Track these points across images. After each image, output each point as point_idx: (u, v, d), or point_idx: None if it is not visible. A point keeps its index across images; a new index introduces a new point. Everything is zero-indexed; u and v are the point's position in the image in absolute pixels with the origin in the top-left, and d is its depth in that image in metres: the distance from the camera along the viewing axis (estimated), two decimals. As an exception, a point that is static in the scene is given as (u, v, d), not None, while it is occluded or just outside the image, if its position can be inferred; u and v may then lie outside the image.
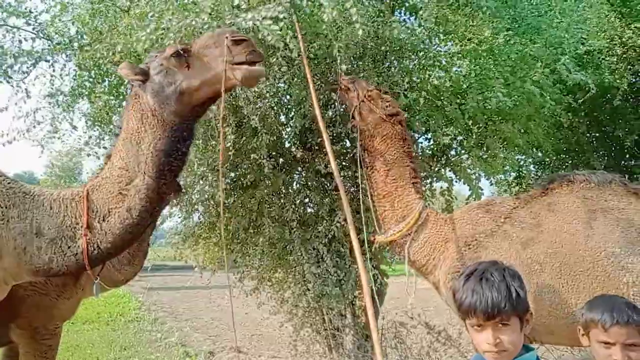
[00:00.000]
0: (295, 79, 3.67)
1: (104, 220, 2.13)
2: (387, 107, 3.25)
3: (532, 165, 6.69)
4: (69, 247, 2.11)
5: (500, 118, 4.25)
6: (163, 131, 2.14)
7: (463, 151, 4.55)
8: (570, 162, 6.60)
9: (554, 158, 6.58)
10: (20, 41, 3.78)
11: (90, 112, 4.03)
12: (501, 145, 4.56)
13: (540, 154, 6.36)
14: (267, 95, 3.51)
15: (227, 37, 2.07)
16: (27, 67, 3.63)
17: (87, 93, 3.79)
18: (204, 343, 7.42)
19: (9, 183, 2.17)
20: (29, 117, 3.88)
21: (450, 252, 3.00)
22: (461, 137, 4.51)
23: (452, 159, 4.57)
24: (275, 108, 4.03)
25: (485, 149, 4.44)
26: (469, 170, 4.54)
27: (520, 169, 6.39)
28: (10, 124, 3.77)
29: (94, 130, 4.11)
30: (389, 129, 3.22)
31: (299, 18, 3.01)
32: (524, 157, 6.33)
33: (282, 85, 4.16)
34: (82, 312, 9.63)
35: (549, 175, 3.23)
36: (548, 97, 3.98)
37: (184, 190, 4.17)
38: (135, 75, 2.14)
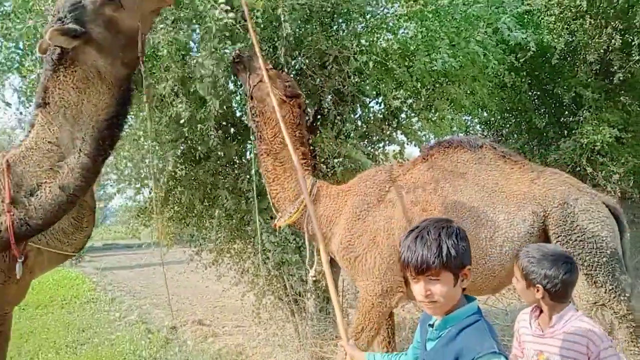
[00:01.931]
0: (240, 45, 3.55)
1: (31, 194, 1.99)
2: (287, 87, 3.23)
3: (478, 126, 6.92)
4: None
5: (446, 80, 4.34)
6: (111, 96, 2.00)
7: (413, 114, 4.63)
8: (513, 120, 6.88)
9: (498, 117, 6.82)
10: None
11: (22, 86, 3.75)
12: (448, 107, 4.67)
13: (485, 114, 6.58)
14: (213, 61, 3.38)
15: None
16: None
17: (16, 66, 3.51)
18: (166, 319, 7.36)
19: None
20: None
21: (342, 223, 3.15)
22: (411, 100, 4.58)
23: (403, 122, 4.65)
24: (223, 76, 3.91)
25: (433, 110, 4.54)
26: (419, 133, 4.65)
27: (467, 130, 6.61)
28: None
29: (28, 107, 3.84)
30: (286, 111, 3.20)
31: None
32: (470, 117, 6.54)
33: (228, 51, 4.03)
34: (34, 297, 9.27)
35: (433, 142, 3.55)
36: (491, 57, 4.09)
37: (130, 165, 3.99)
38: (74, 39, 1.90)
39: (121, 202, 5.48)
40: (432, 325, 1.60)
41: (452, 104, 4.68)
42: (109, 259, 15.64)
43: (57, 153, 2.00)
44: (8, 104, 3.94)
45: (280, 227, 3.43)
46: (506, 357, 1.44)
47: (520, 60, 5.33)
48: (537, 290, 1.90)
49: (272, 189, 3.32)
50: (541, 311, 1.98)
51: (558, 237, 2.79)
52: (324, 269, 2.41)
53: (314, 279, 3.54)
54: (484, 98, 4.89)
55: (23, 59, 3.42)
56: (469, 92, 4.62)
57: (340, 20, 4.12)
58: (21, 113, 3.93)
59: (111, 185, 4.78)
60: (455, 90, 4.31)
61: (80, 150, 1.98)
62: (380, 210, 3.08)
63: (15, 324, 7.41)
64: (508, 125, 6.85)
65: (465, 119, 6.23)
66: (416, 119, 4.61)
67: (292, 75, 4.18)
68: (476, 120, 6.75)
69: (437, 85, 4.38)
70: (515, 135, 6.72)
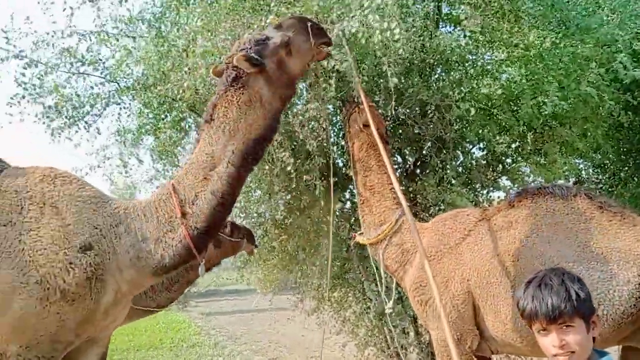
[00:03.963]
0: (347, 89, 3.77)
1: (193, 204, 2.34)
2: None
3: (591, 169, 6.42)
4: (172, 239, 2.32)
5: (556, 122, 4.16)
6: (265, 119, 2.35)
7: (520, 158, 4.47)
8: (632, 163, 6.29)
9: (615, 160, 6.28)
10: (91, 87, 4.17)
11: (155, 146, 4.30)
12: (559, 150, 4.44)
13: (599, 157, 6.10)
14: (320, 118, 3.63)
15: (309, 24, 2.45)
16: (99, 110, 3.98)
17: (152, 129, 4.05)
18: (266, 366, 7.50)
19: (112, 203, 2.42)
20: (99, 154, 4.22)
21: (416, 261, 3.07)
22: (516, 144, 4.44)
23: (509, 167, 4.50)
24: (326, 130, 4.14)
25: (543, 154, 4.35)
26: (527, 178, 4.46)
27: (580, 173, 6.16)
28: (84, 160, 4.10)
29: (160, 164, 4.39)
30: (364, 137, 3.39)
31: (349, 42, 3.13)
32: (583, 160, 6.11)
33: (331, 107, 4.27)
34: (146, 340, 9.97)
35: (519, 189, 3.45)
36: (605, 97, 3.87)
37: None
38: (253, 66, 2.30)
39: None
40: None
41: (562, 147, 4.44)
42: (212, 305, 16.41)
43: (210, 164, 2.35)
44: (141, 161, 4.53)
45: (357, 242, 3.55)
46: None
47: (638, 99, 4.94)
48: None
49: (362, 209, 3.46)
50: None
51: None
52: (438, 307, 2.37)
53: (390, 311, 3.57)
54: (598, 139, 4.57)
55: (158, 123, 3.96)
56: (581, 134, 4.37)
57: (439, 70, 4.20)
58: (156, 170, 4.46)
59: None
60: (566, 133, 4.10)
61: (229, 161, 2.32)
62: (456, 253, 2.96)
63: (132, 364, 8.02)
64: (626, 168, 6.25)
65: (577, 162, 5.84)
66: (524, 163, 4.44)
67: (391, 124, 4.29)
68: (590, 163, 6.27)
69: (546, 128, 4.21)
70: (636, 179, 6.11)
